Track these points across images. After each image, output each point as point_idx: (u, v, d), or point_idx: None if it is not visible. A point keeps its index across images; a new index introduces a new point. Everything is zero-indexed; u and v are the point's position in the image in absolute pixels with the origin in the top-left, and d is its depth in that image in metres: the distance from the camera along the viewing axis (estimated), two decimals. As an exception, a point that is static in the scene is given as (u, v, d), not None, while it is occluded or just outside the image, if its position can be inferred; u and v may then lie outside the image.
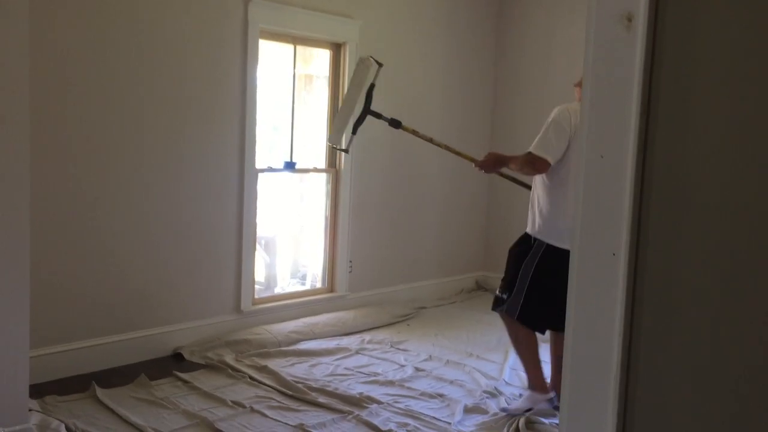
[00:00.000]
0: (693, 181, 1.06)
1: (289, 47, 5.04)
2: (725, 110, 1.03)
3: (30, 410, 3.15)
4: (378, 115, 4.04)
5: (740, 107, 1.01)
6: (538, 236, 3.55)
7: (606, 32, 1.10)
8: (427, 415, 3.60)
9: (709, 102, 1.04)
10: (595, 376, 1.13)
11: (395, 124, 4.00)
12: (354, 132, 4.17)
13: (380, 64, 4.01)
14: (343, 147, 4.28)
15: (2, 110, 2.45)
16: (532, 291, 3.55)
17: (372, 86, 4.04)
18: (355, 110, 4.09)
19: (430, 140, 4.01)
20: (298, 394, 3.76)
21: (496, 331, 5.20)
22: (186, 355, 4.25)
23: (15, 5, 2.41)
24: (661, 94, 1.08)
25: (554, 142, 3.41)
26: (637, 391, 1.10)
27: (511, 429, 3.44)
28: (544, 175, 3.50)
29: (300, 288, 5.63)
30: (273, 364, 4.18)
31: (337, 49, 5.22)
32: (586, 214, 1.15)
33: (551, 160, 3.42)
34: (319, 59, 5.35)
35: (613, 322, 1.12)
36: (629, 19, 1.08)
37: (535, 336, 3.69)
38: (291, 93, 5.15)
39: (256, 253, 4.92)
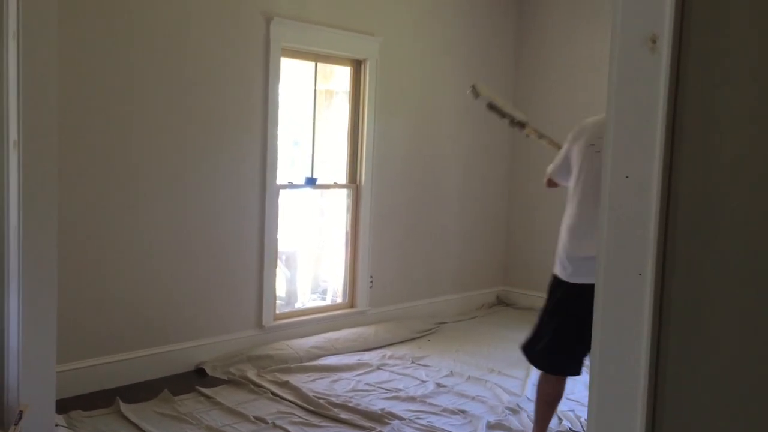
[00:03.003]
0: (719, 201, 1.06)
1: (310, 64, 5.09)
2: (751, 130, 1.03)
3: (56, 425, 3.19)
4: (503, 114, 3.88)
5: (766, 127, 1.01)
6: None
7: (630, 53, 1.11)
8: (450, 432, 3.59)
9: (734, 122, 1.05)
10: (622, 397, 1.13)
11: (521, 125, 3.84)
12: (488, 106, 3.86)
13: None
14: (478, 91, 3.85)
15: (31, 125, 2.50)
16: (542, 325, 3.28)
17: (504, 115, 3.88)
18: (500, 108, 3.88)
19: (549, 141, 3.82)
20: (319, 410, 3.77)
21: (517, 346, 5.17)
22: (208, 371, 4.27)
23: (44, 26, 2.46)
24: (686, 115, 1.08)
25: (556, 160, 3.32)
26: (665, 413, 1.10)
27: None
28: None
29: (321, 303, 5.65)
30: (294, 379, 4.19)
31: (357, 65, 5.26)
32: (611, 234, 1.15)
33: (554, 177, 3.34)
34: (339, 75, 5.40)
35: (640, 342, 1.11)
36: (653, 41, 1.08)
37: (559, 392, 3.27)
38: (312, 109, 5.19)
39: (277, 268, 4.95)
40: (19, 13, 2.39)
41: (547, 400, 3.28)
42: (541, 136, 3.77)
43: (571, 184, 3.20)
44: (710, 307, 1.06)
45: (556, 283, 3.17)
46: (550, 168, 3.38)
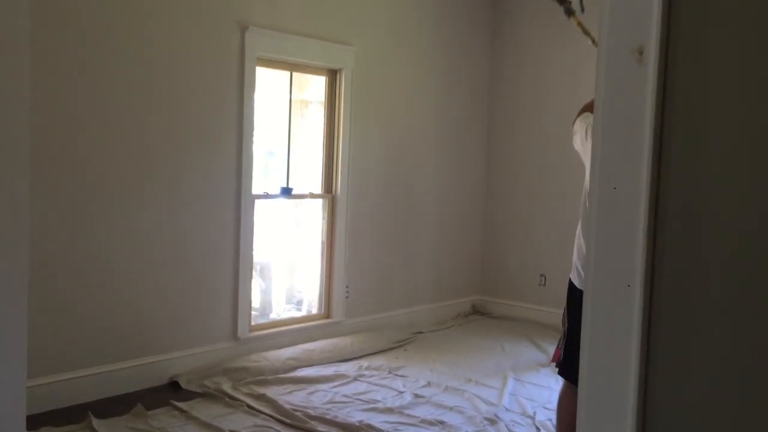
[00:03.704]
0: (707, 211, 1.06)
1: (286, 74, 5.07)
2: (738, 141, 1.04)
3: (26, 442, 3.10)
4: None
5: (753, 138, 1.02)
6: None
7: (617, 65, 1.11)
8: (428, 443, 3.57)
9: (722, 133, 1.05)
10: (611, 413, 1.12)
11: (568, 12, 3.47)
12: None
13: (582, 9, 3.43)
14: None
15: (2, 139, 2.44)
16: (569, 335, 2.92)
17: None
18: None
19: (593, 41, 3.46)
20: (296, 423, 3.72)
21: (494, 356, 5.19)
22: (183, 384, 4.20)
23: (16, 38, 2.41)
24: (674, 126, 1.08)
25: (581, 129, 2.97)
26: (654, 426, 1.09)
27: None
28: None
29: (296, 314, 5.60)
30: (271, 391, 4.14)
31: (333, 75, 5.25)
32: (599, 246, 1.15)
33: (573, 130, 3.06)
34: (314, 84, 5.38)
35: (629, 354, 1.11)
36: (640, 52, 1.09)
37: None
38: (287, 119, 5.16)
39: (252, 279, 4.89)
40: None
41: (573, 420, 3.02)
42: (585, 32, 3.43)
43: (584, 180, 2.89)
44: (699, 318, 1.06)
45: (571, 291, 2.91)
46: (576, 127, 3.03)
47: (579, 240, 2.89)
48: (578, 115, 3.03)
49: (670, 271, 1.09)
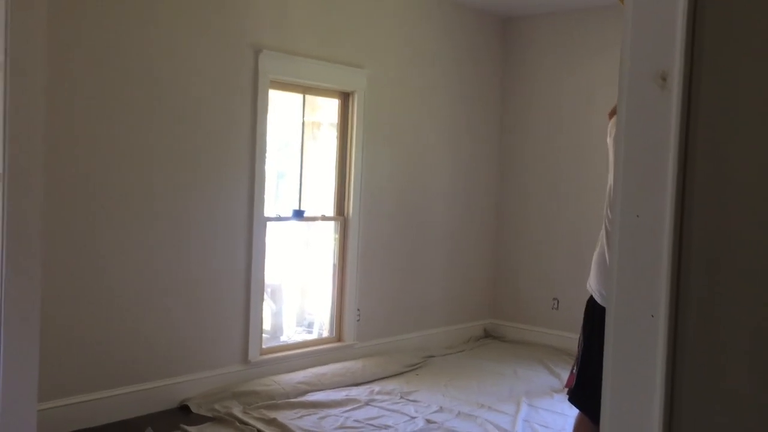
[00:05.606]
0: (733, 242, 1.03)
1: (298, 96, 5.08)
2: (765, 169, 1.01)
3: (35, 467, 3.07)
4: None
5: (780, 166, 1.00)
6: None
7: (640, 91, 1.09)
8: (441, 470, 3.51)
9: (747, 160, 1.03)
10: (636, 443, 1.09)
11: None
12: None
13: None
14: None
15: (17, 158, 2.44)
16: (583, 359, 2.70)
17: None
18: None
19: None
20: (307, 448, 3.68)
21: (506, 380, 5.13)
22: (193, 408, 4.17)
23: (31, 61, 2.43)
24: (698, 153, 1.06)
25: (610, 128, 2.79)
26: (682, 460, 1.06)
27: None
28: None
29: (307, 336, 5.57)
30: (281, 416, 4.10)
31: (345, 97, 5.26)
32: (622, 274, 1.12)
33: (608, 125, 2.82)
34: (326, 107, 5.39)
35: (653, 387, 1.08)
36: (664, 78, 1.07)
37: None
38: (299, 141, 5.17)
39: (264, 301, 4.87)
40: (7, 45, 2.36)
41: None
42: None
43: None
44: (726, 349, 1.03)
45: (592, 307, 2.65)
46: (609, 126, 2.83)
47: (601, 250, 2.61)
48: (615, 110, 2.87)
49: (695, 302, 1.06)
